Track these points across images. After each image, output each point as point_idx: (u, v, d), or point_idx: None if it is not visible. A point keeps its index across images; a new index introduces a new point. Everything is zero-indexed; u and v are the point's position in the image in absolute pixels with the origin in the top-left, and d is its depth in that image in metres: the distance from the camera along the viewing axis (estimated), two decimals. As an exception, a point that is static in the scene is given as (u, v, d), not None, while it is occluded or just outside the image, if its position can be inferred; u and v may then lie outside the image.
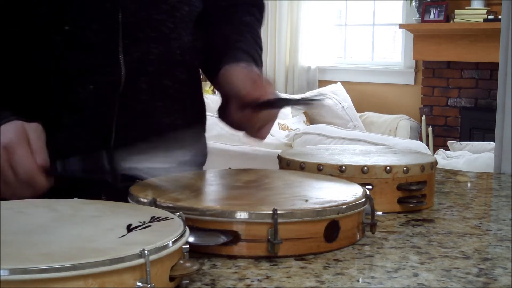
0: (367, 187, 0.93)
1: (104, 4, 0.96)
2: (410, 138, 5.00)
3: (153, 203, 0.77)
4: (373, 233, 0.85)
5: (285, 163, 1.05)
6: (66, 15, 0.95)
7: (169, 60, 1.03)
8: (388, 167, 0.98)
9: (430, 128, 4.69)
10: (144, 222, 0.66)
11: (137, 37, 0.98)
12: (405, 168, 0.99)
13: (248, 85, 0.96)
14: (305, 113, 5.19)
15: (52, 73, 0.96)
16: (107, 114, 0.98)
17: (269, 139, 3.65)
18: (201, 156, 1.15)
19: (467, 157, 3.00)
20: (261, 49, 1.12)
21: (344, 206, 0.79)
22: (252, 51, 1.08)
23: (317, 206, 0.77)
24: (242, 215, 0.74)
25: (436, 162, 1.05)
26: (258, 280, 0.68)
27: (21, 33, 0.97)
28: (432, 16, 5.23)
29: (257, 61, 1.07)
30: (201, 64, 1.14)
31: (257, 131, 1.00)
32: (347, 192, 0.85)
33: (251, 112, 0.96)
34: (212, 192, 0.91)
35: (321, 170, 0.99)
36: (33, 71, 0.97)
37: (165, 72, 1.03)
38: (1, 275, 0.51)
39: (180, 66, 1.05)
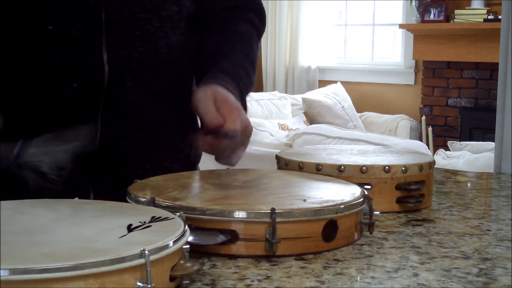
0: (366, 186, 0.94)
1: (87, 3, 0.96)
2: (410, 138, 5.00)
3: (152, 203, 0.77)
4: (371, 233, 0.85)
5: (283, 163, 1.05)
6: (49, 14, 0.95)
7: (155, 58, 1.02)
8: (387, 167, 0.98)
9: (430, 128, 4.69)
10: (145, 222, 0.66)
11: (121, 35, 0.98)
12: (403, 168, 0.99)
13: (210, 111, 0.91)
14: (305, 113, 5.19)
15: (36, 71, 0.96)
16: (91, 112, 0.98)
17: (269, 139, 3.66)
18: (193, 155, 1.13)
19: (467, 157, 3.01)
20: (252, 62, 1.07)
21: (342, 206, 0.79)
22: (238, 69, 1.03)
23: (315, 205, 0.78)
24: (240, 214, 0.74)
25: (434, 162, 1.05)
26: (258, 280, 0.68)
27: (4, 31, 0.97)
28: (432, 16, 5.22)
29: (241, 80, 1.02)
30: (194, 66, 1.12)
31: (225, 157, 0.95)
32: (345, 192, 0.85)
33: (212, 139, 0.92)
34: (211, 192, 0.91)
35: (320, 170, 0.99)
36: (17, 69, 0.97)
37: (151, 70, 1.02)
38: (2, 275, 0.51)
39: (168, 64, 1.04)
